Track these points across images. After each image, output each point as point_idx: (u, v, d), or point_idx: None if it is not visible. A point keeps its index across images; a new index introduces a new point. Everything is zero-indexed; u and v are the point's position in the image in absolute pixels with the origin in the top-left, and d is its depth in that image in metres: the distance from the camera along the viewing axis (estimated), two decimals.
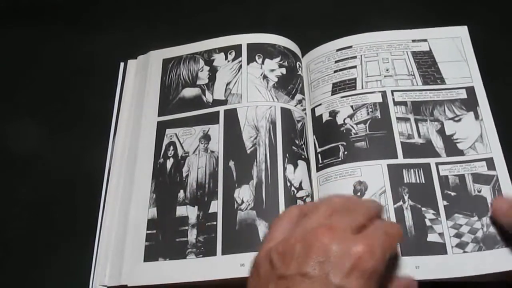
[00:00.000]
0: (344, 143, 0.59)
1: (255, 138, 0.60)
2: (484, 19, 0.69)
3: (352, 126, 0.60)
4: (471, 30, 0.65)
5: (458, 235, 0.53)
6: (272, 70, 0.65)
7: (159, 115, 0.64)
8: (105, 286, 0.55)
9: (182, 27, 0.75)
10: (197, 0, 0.78)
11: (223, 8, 0.77)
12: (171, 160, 0.61)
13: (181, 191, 0.58)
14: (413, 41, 0.65)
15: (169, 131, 0.63)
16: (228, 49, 0.67)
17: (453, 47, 0.64)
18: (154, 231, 0.57)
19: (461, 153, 0.58)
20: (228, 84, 0.64)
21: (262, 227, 0.54)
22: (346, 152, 0.59)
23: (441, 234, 0.53)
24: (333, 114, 0.62)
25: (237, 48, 0.67)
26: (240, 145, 0.60)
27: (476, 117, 0.60)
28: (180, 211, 0.58)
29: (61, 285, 0.57)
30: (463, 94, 0.61)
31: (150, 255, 0.55)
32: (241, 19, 0.74)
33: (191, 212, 0.57)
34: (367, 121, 0.60)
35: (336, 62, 0.65)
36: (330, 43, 0.67)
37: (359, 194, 0.56)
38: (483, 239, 0.53)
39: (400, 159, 0.58)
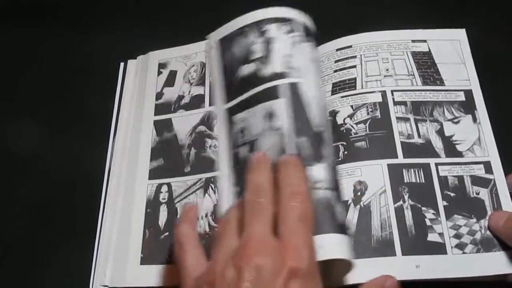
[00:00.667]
0: (344, 143, 0.59)
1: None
2: (483, 22, 0.68)
3: (352, 126, 0.60)
4: (470, 33, 0.65)
5: (458, 236, 0.53)
6: None
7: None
8: (106, 286, 0.55)
9: (182, 27, 0.75)
10: (197, 0, 0.78)
11: (223, 8, 0.77)
12: None
13: None
14: (413, 41, 0.65)
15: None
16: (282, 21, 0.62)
17: (452, 50, 0.64)
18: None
19: (460, 154, 0.58)
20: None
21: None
22: (346, 152, 0.59)
23: (441, 234, 0.54)
24: (333, 114, 0.62)
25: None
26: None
27: (474, 120, 0.60)
28: None
29: (61, 285, 0.57)
30: (461, 97, 0.61)
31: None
32: None
33: None
34: (367, 121, 0.60)
35: (336, 62, 0.65)
36: (329, 43, 0.67)
37: (359, 193, 0.56)
38: (481, 241, 0.53)
39: (400, 159, 0.58)
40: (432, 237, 0.54)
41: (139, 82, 0.68)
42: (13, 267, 0.59)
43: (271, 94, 0.56)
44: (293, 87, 0.56)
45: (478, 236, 0.53)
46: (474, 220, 0.54)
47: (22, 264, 0.59)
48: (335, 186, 0.52)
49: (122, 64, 0.71)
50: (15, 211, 0.62)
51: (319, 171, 0.52)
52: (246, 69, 0.59)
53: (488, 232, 0.53)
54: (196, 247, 0.47)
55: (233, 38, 0.62)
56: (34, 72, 0.72)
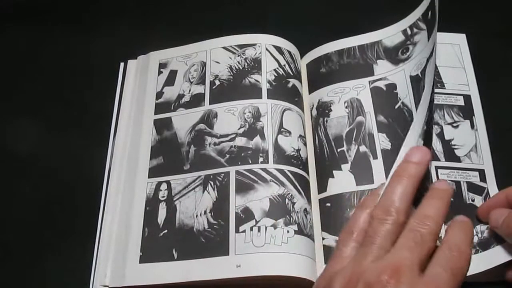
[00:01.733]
0: None
1: None
2: (482, 27, 0.68)
3: None
4: (470, 38, 0.65)
5: None
6: None
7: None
8: (106, 286, 0.55)
9: (182, 27, 0.75)
10: (197, 0, 0.78)
11: (223, 8, 0.77)
12: None
13: None
14: None
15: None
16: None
17: (452, 54, 0.65)
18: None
19: (458, 159, 0.58)
20: None
21: None
22: None
23: (440, 238, 0.54)
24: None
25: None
26: None
27: (472, 126, 0.60)
28: None
29: (61, 285, 0.57)
30: (460, 101, 0.62)
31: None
32: (241, 19, 0.74)
33: None
34: None
35: None
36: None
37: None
38: (479, 243, 0.53)
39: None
40: None
41: (140, 82, 0.68)
42: (13, 267, 0.58)
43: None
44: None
45: (475, 240, 0.54)
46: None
47: (22, 264, 0.58)
48: None
49: (122, 64, 0.71)
50: (15, 211, 0.62)
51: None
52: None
53: (485, 235, 0.54)
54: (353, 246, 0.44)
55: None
56: (34, 72, 0.72)
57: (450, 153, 0.58)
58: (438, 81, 0.63)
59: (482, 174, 0.57)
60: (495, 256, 0.52)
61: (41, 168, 0.65)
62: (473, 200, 0.56)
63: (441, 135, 0.59)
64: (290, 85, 0.64)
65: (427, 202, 0.45)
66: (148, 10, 0.78)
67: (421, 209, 0.44)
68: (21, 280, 0.58)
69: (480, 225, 0.54)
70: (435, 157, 0.58)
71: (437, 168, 0.57)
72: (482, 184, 0.57)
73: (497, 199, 0.54)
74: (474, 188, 0.57)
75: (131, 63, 0.71)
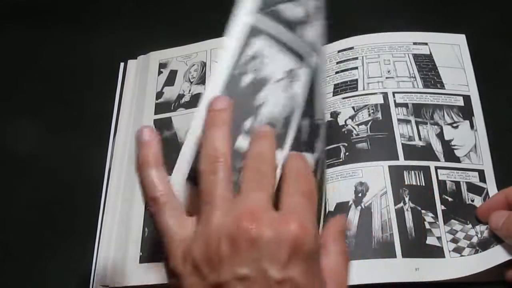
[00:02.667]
0: (345, 144, 0.60)
1: None
2: (482, 28, 0.68)
3: (354, 127, 0.60)
4: (471, 37, 0.65)
5: (455, 240, 0.54)
6: None
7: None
8: (107, 286, 0.55)
9: (182, 27, 0.75)
10: (197, 0, 0.78)
11: (223, 8, 0.76)
12: None
13: None
14: (414, 43, 0.65)
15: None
16: None
17: (452, 54, 0.65)
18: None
19: (457, 160, 0.58)
20: None
21: None
22: (347, 153, 0.59)
23: (439, 238, 0.54)
24: (335, 115, 0.62)
25: None
26: None
27: (472, 126, 0.60)
28: None
29: (61, 285, 0.57)
30: (460, 102, 0.61)
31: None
32: None
33: None
34: (368, 123, 0.60)
35: (337, 63, 0.65)
36: (331, 44, 0.67)
37: (360, 195, 0.56)
38: (478, 244, 0.54)
39: (401, 161, 0.58)
40: (430, 240, 0.54)
41: (140, 82, 0.68)
42: (13, 267, 0.58)
43: (306, 61, 0.49)
44: (317, 69, 0.51)
45: (475, 240, 0.54)
46: (470, 226, 0.55)
47: (22, 264, 0.58)
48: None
49: (122, 64, 0.71)
50: (15, 211, 0.62)
51: (310, 161, 0.49)
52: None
53: (484, 235, 0.54)
54: (173, 202, 0.41)
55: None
56: (34, 72, 0.72)
57: (450, 154, 0.58)
58: (438, 82, 0.63)
59: (481, 174, 0.57)
60: (495, 256, 0.52)
61: (41, 168, 0.65)
62: (472, 201, 0.56)
63: (440, 136, 0.59)
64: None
65: (254, 142, 0.42)
66: (148, 10, 0.77)
67: (251, 149, 0.41)
68: (21, 280, 0.58)
69: (479, 225, 0.54)
70: (434, 158, 0.58)
71: (436, 168, 0.57)
72: (481, 184, 0.57)
73: (496, 200, 0.54)
74: (473, 189, 0.57)
75: (131, 63, 0.71)
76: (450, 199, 0.56)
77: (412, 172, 0.57)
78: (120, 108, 0.67)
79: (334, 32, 0.68)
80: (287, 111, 0.47)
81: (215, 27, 0.70)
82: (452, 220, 0.55)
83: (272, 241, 0.35)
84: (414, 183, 0.56)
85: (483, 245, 0.53)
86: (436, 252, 0.53)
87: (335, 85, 0.64)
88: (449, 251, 0.53)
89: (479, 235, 0.54)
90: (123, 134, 0.65)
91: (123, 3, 0.78)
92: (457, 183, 0.57)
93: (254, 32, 0.48)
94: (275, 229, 0.36)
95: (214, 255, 0.36)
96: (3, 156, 0.65)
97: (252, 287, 0.35)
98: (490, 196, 0.56)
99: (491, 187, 0.57)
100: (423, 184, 0.56)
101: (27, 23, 0.76)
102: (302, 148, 0.47)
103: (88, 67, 0.72)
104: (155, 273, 0.54)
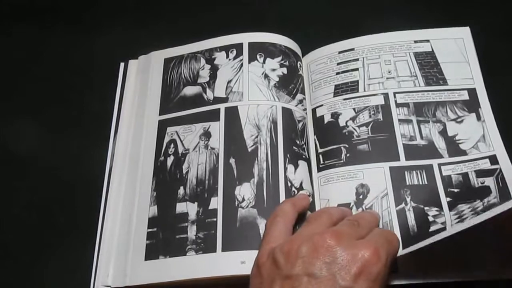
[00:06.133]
0: (346, 145, 0.60)
1: (256, 137, 0.60)
2: (486, 20, 0.69)
3: (354, 129, 0.60)
4: (474, 31, 0.65)
5: (460, 217, 0.54)
6: (273, 70, 0.64)
7: (160, 113, 0.64)
8: (108, 286, 0.55)
9: (182, 27, 0.75)
10: (197, 0, 0.78)
11: (223, 8, 0.77)
12: (172, 157, 0.61)
13: (181, 187, 0.58)
14: (415, 41, 0.65)
15: (170, 129, 0.63)
16: (229, 48, 0.67)
17: (455, 48, 0.65)
18: (155, 229, 0.56)
19: (463, 153, 0.58)
20: (229, 82, 0.64)
21: (263, 226, 0.54)
22: (348, 155, 0.59)
23: (443, 223, 0.54)
24: (335, 116, 0.62)
25: (239, 47, 0.66)
26: (241, 143, 0.59)
27: (478, 118, 0.60)
28: (180, 207, 0.57)
29: (61, 285, 0.57)
30: (464, 96, 0.61)
31: (151, 253, 0.55)
32: (241, 19, 0.74)
33: (190, 209, 0.57)
34: (369, 124, 0.60)
35: (338, 64, 0.65)
36: (332, 44, 0.67)
37: (361, 197, 0.56)
38: (482, 210, 0.53)
39: (402, 161, 0.58)
40: (434, 227, 0.54)
41: (141, 82, 0.68)
42: (13, 267, 0.58)
43: (211, 116, 0.62)
44: (232, 110, 0.62)
45: (479, 209, 0.53)
46: (478, 201, 0.54)
47: (22, 264, 0.58)
48: (262, 203, 0.56)
49: (122, 64, 0.70)
50: (15, 211, 0.62)
51: (245, 190, 0.57)
52: (190, 90, 0.65)
53: (491, 202, 0.54)
54: (287, 224, 0.50)
55: (184, 60, 0.68)
56: (34, 72, 0.72)
57: (454, 149, 0.58)
58: (440, 78, 0.63)
59: (493, 159, 0.57)
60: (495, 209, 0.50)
61: (41, 168, 0.64)
62: (483, 183, 0.56)
63: (443, 132, 0.59)
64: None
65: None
66: (148, 10, 0.77)
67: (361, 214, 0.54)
68: (21, 280, 0.58)
69: (487, 198, 0.54)
70: (437, 155, 0.58)
71: (440, 165, 0.57)
72: (493, 167, 0.57)
73: None
74: (483, 173, 0.56)
75: (132, 63, 0.71)
76: (456, 190, 0.56)
77: (414, 172, 0.57)
78: (121, 108, 0.67)
79: (335, 33, 0.68)
80: (211, 165, 0.59)
81: (215, 27, 0.71)
82: (459, 205, 0.55)
83: (346, 254, 0.43)
84: (415, 183, 0.56)
85: (487, 209, 0.52)
86: (438, 233, 0.52)
87: (335, 86, 0.64)
88: (452, 225, 0.53)
89: (485, 203, 0.54)
90: (124, 134, 0.65)
91: (124, 3, 0.78)
92: (464, 174, 0.56)
93: (163, 124, 0.63)
94: (352, 248, 0.44)
95: (293, 252, 0.44)
96: (3, 156, 0.65)
97: (319, 286, 0.42)
98: (504, 173, 0.56)
99: (505, 167, 0.56)
100: (426, 183, 0.56)
101: (27, 23, 0.76)
102: (233, 183, 0.57)
103: (89, 67, 0.72)
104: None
